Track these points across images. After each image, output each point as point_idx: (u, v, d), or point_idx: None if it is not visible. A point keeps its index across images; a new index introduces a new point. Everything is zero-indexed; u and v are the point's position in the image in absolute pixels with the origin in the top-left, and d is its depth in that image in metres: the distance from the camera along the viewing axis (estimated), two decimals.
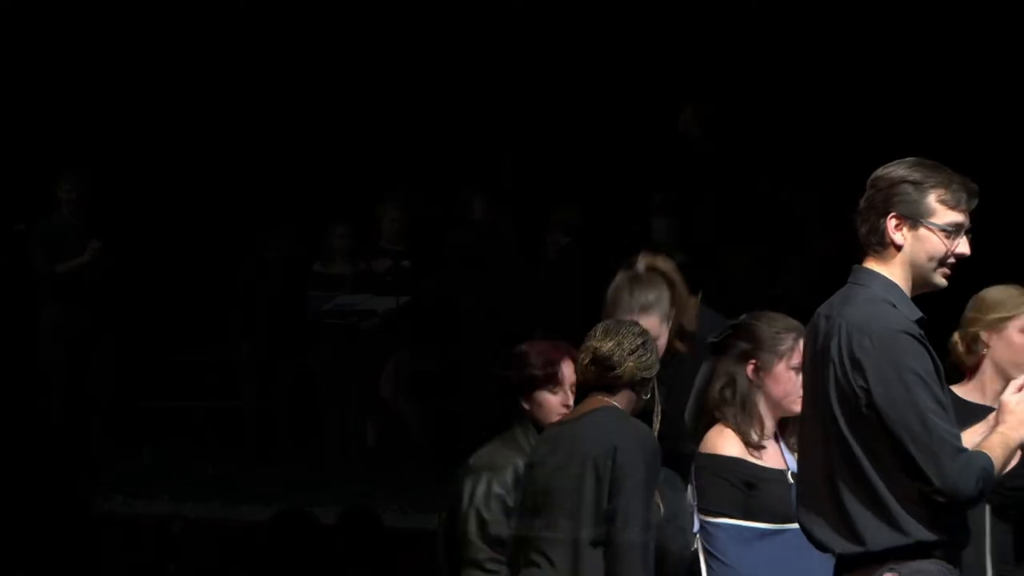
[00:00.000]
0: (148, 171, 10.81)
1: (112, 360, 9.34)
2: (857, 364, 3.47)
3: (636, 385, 4.68)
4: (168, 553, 6.98)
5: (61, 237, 9.31)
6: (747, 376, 4.25)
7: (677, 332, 5.17)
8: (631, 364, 4.60)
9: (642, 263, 5.20)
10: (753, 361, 4.25)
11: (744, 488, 4.13)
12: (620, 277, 5.20)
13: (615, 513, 4.46)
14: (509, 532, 4.58)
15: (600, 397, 4.65)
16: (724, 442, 4.22)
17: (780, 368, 4.23)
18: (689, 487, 4.25)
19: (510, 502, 4.69)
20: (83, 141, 10.32)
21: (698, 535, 4.18)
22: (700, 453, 4.26)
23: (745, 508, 4.11)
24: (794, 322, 4.31)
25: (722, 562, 4.12)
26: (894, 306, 3.53)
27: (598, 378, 4.67)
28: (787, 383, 4.21)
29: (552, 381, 4.83)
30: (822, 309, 3.61)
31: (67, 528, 6.43)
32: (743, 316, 4.40)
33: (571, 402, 4.83)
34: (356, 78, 10.93)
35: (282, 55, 10.88)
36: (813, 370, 3.64)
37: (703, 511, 4.19)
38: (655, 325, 5.05)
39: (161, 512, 7.41)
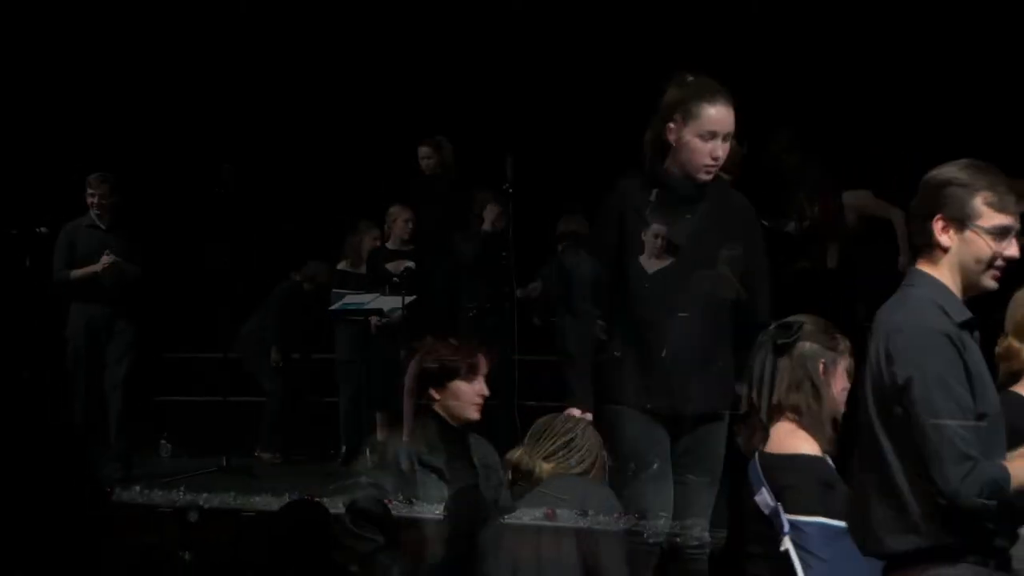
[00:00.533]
0: (174, 175, 11.03)
1: (131, 357, 9.46)
2: (890, 362, 3.59)
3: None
4: (184, 541, 7.13)
5: (84, 241, 9.43)
6: (821, 377, 4.31)
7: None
8: (548, 468, 4.67)
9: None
10: (823, 361, 4.32)
11: (824, 487, 4.20)
12: (676, 82, 5.03)
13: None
14: (377, 511, 4.75)
15: None
16: (801, 442, 4.27)
17: (841, 368, 4.32)
18: (763, 489, 4.26)
19: (383, 483, 4.85)
20: (109, 146, 10.52)
21: (788, 535, 4.18)
22: (774, 454, 4.28)
23: (826, 507, 4.17)
24: (822, 319, 4.41)
25: (820, 559, 4.14)
26: (941, 307, 3.59)
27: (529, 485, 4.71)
28: (844, 381, 4.31)
29: (471, 371, 4.98)
30: (879, 311, 3.72)
31: (88, 519, 6.59)
32: (773, 323, 4.45)
33: (486, 392, 4.98)
34: (366, 82, 11.11)
35: (293, 62, 11.07)
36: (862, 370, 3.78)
37: (794, 510, 4.20)
38: (726, 120, 4.98)
39: (177, 502, 7.54)
